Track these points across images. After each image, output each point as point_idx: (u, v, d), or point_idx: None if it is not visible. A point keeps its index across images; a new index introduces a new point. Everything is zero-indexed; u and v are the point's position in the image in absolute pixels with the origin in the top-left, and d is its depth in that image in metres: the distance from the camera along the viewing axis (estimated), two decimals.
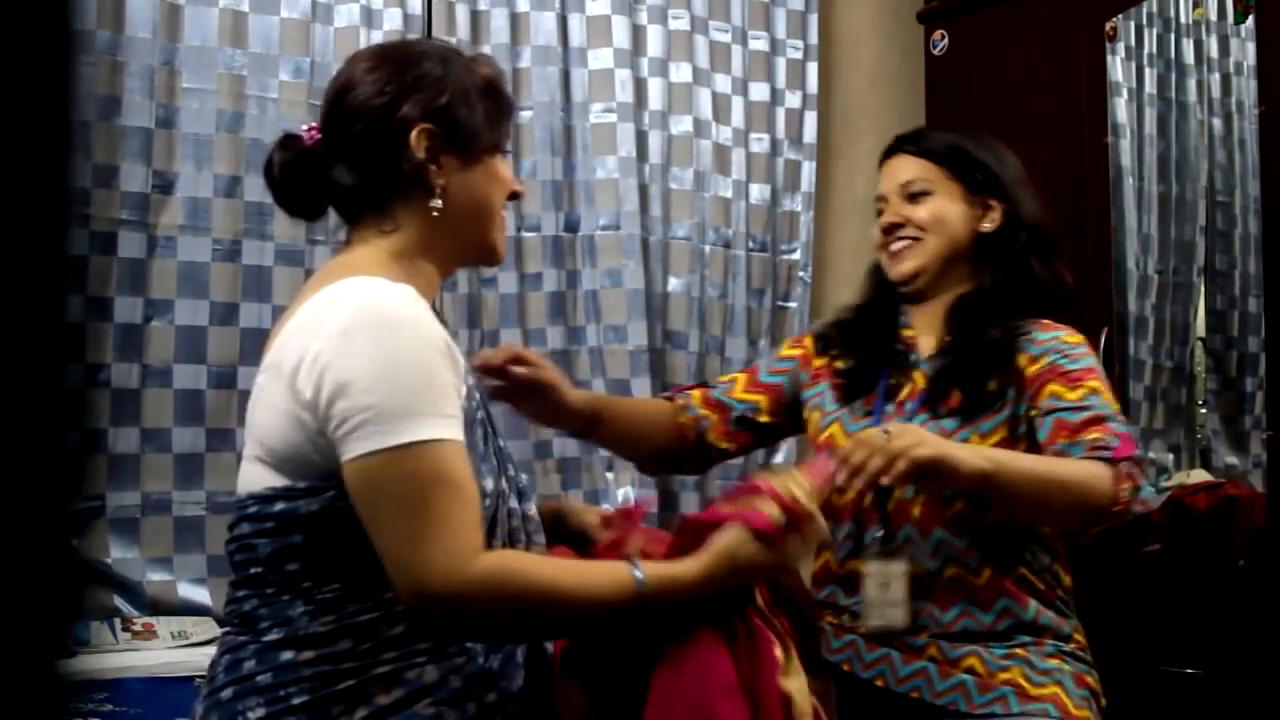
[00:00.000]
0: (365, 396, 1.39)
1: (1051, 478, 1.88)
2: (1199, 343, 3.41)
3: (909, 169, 2.20)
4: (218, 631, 2.62)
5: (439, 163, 1.58)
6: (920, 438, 1.80)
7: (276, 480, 1.48)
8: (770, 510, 1.54)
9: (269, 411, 1.48)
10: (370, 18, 3.01)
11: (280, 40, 2.93)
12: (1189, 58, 3.46)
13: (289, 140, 1.63)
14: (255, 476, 1.51)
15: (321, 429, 1.42)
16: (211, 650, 2.48)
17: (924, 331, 2.19)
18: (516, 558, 1.51)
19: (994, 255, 2.15)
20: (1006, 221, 2.16)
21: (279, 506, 1.47)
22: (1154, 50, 3.47)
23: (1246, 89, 3.19)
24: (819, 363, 2.26)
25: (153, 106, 2.76)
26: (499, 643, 1.54)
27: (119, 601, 2.72)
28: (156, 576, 2.75)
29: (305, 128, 1.64)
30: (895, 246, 2.17)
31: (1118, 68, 3.41)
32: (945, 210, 2.16)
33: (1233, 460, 3.31)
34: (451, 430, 1.43)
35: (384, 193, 1.59)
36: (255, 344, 2.84)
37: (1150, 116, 3.48)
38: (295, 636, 1.46)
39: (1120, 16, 3.37)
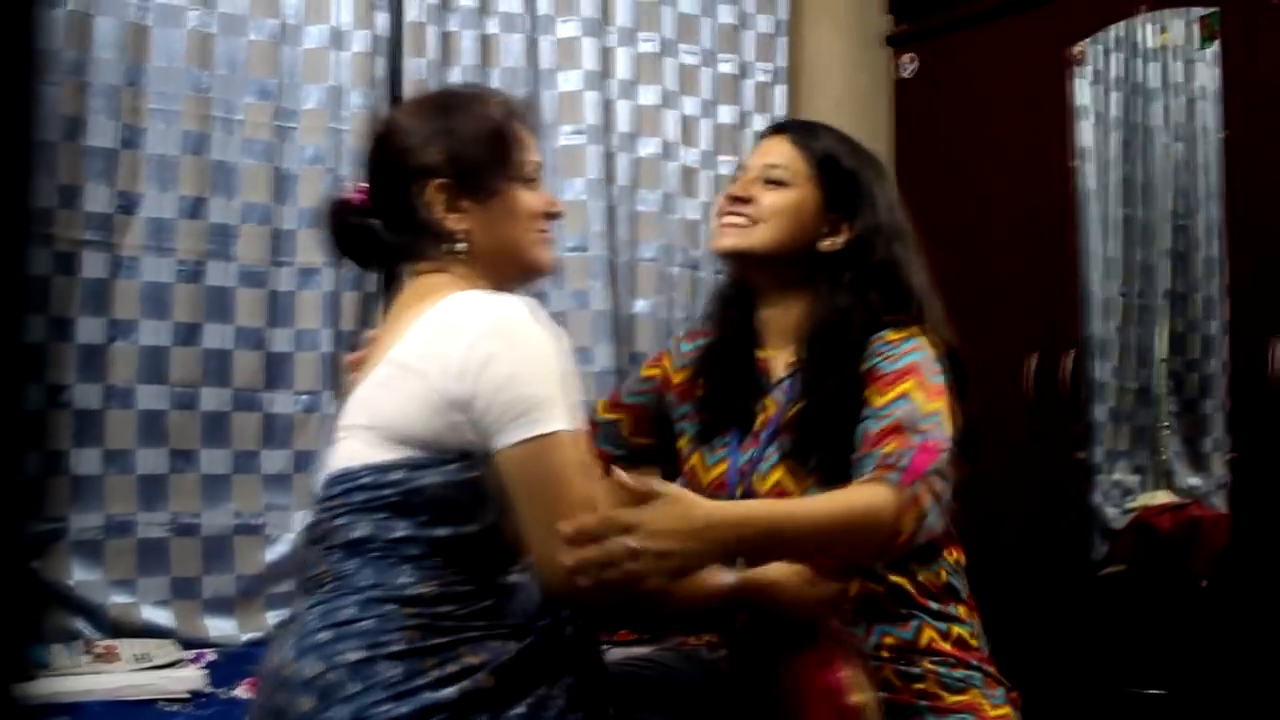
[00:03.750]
0: (521, 389, 1.54)
1: (805, 529, 1.66)
2: (1162, 365, 3.43)
3: (781, 153, 2.11)
4: (180, 654, 2.60)
5: (460, 209, 1.72)
6: (662, 559, 1.51)
7: (397, 453, 1.59)
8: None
9: (398, 396, 1.60)
10: (339, 39, 3.00)
11: (247, 62, 2.92)
12: (1154, 82, 3.49)
13: (338, 205, 1.82)
14: (368, 451, 1.61)
15: (472, 419, 1.55)
16: (174, 672, 2.49)
17: (775, 350, 2.12)
18: None
19: (835, 278, 2.03)
20: (848, 248, 2.05)
21: (398, 475, 1.58)
22: (1120, 75, 3.50)
23: (1210, 114, 3.21)
24: (679, 378, 2.24)
25: (117, 127, 2.74)
26: (621, 625, 1.70)
27: (80, 624, 2.69)
28: (119, 599, 2.73)
29: (353, 187, 1.81)
30: (728, 219, 2.09)
31: (1084, 92, 3.44)
32: (789, 209, 2.07)
33: (1196, 481, 3.33)
34: (576, 420, 1.58)
35: (422, 243, 1.74)
36: (218, 365, 2.84)
37: (1116, 140, 3.51)
38: (400, 596, 1.55)
39: (1086, 41, 3.41)
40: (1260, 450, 2.90)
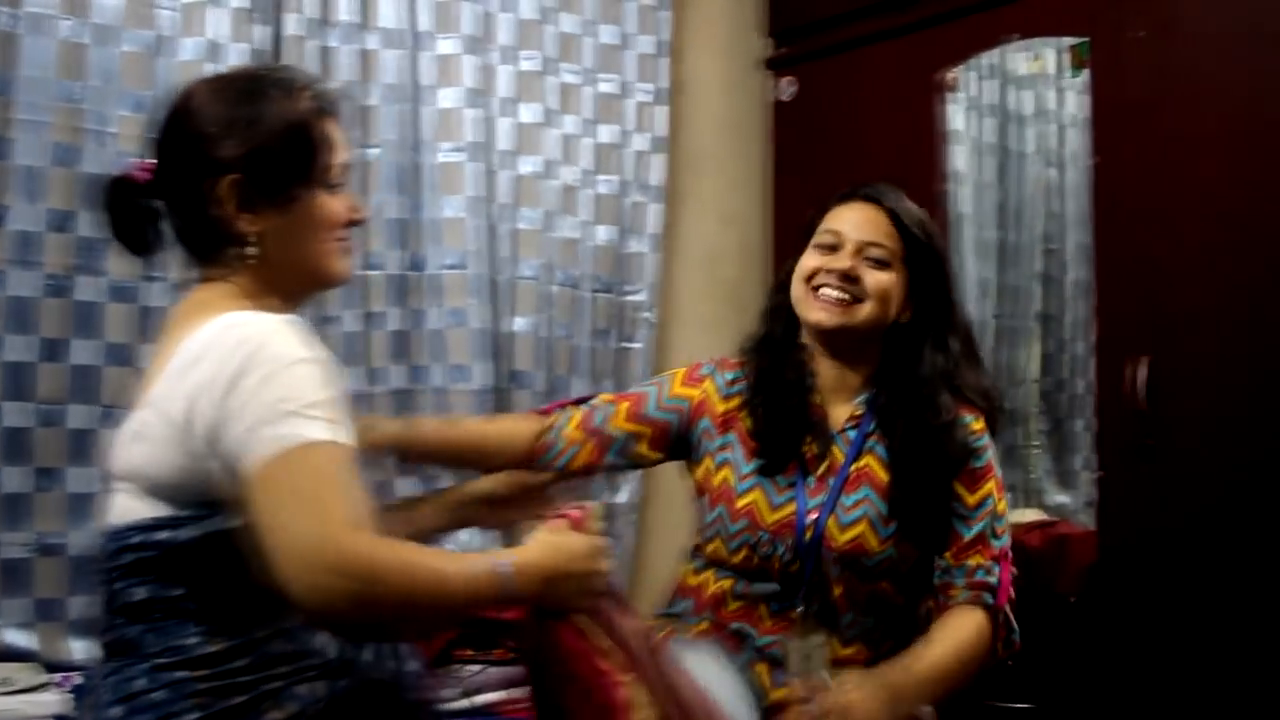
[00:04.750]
0: (265, 406, 1.40)
1: (951, 675, 2.03)
2: (1033, 385, 3.50)
3: (880, 231, 2.17)
4: (43, 678, 2.55)
5: (254, 210, 1.59)
6: None
7: (159, 510, 1.48)
8: (573, 511, 1.72)
9: (153, 445, 1.49)
10: (215, 52, 2.96)
11: (121, 73, 2.86)
12: (1027, 109, 3.56)
13: (118, 181, 1.65)
14: (133, 507, 1.51)
15: (219, 458, 1.43)
16: (37, 697, 2.44)
17: (832, 398, 2.22)
18: (400, 540, 1.48)
19: (907, 343, 2.18)
20: (914, 318, 2.18)
21: (162, 535, 1.47)
22: (992, 101, 3.57)
23: (1080, 140, 3.28)
24: (724, 407, 2.26)
25: None
26: (383, 630, 1.55)
27: None
28: None
29: (138, 165, 1.65)
30: (830, 293, 2.14)
31: (958, 117, 3.50)
32: (891, 291, 2.15)
33: (1064, 499, 3.40)
34: (338, 434, 1.43)
35: (209, 242, 1.62)
36: (85, 381, 2.78)
37: (989, 165, 3.58)
38: (188, 659, 1.46)
39: (961, 67, 3.47)
40: (1126, 469, 2.96)
